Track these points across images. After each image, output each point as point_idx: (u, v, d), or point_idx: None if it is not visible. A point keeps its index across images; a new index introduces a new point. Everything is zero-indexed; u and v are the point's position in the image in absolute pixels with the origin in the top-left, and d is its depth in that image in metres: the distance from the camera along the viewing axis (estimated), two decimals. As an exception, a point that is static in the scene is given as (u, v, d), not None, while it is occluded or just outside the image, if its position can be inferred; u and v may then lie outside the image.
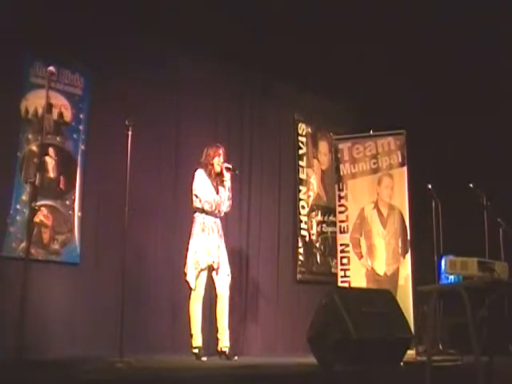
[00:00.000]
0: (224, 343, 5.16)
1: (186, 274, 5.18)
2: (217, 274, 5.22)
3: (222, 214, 5.40)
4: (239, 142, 7.10)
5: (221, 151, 5.39)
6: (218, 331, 5.21)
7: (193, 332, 5.12)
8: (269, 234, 7.21)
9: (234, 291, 6.41)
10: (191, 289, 5.14)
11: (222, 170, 5.36)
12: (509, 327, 5.39)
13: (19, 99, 5.57)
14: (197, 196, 5.26)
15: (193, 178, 5.33)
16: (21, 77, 5.60)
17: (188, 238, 5.26)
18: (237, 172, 5.64)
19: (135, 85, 6.12)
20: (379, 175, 6.84)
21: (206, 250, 5.18)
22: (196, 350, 5.08)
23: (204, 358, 5.05)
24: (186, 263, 5.21)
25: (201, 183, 5.29)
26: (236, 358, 5.16)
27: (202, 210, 5.25)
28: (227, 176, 5.38)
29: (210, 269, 5.21)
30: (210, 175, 5.34)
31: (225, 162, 5.40)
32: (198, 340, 5.11)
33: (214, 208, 5.26)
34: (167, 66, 6.44)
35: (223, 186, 5.36)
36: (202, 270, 5.15)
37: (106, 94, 6.00)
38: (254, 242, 7.02)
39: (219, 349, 5.17)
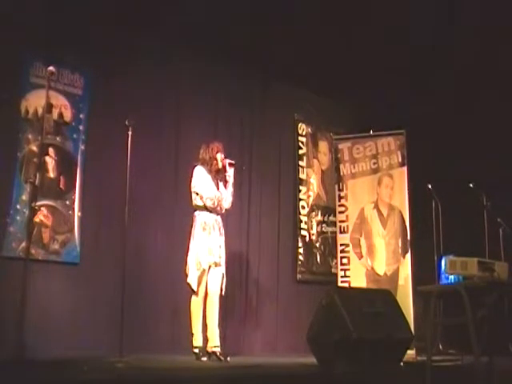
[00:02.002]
0: (214, 343, 4.99)
1: (187, 276, 5.07)
2: (214, 272, 5.10)
3: (223, 211, 5.29)
4: (239, 141, 7.09)
5: (221, 147, 5.28)
6: (207, 330, 5.04)
7: (194, 331, 5.03)
8: (269, 233, 7.21)
9: (234, 291, 6.43)
10: (193, 291, 5.04)
11: (224, 165, 5.26)
12: (509, 327, 5.38)
13: (19, 99, 5.57)
14: (197, 193, 5.14)
15: (191, 175, 5.23)
16: (21, 77, 5.60)
17: (188, 238, 5.21)
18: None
19: (135, 85, 6.12)
20: (379, 175, 6.84)
21: (208, 250, 5.07)
22: (196, 350, 5.00)
23: (204, 358, 4.99)
24: (186, 264, 5.10)
25: (201, 180, 5.17)
26: (228, 358, 4.95)
27: (204, 208, 5.14)
28: (231, 171, 5.27)
29: (210, 268, 5.11)
30: (210, 171, 5.22)
31: (225, 157, 5.30)
32: (198, 340, 5.03)
33: (215, 205, 5.15)
34: (167, 65, 6.44)
35: (226, 182, 5.24)
36: (204, 270, 5.05)
37: (106, 94, 6.00)
38: (254, 241, 7.02)
39: (209, 349, 4.99)
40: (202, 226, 5.11)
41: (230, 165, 5.28)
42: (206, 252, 5.07)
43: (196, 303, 5.06)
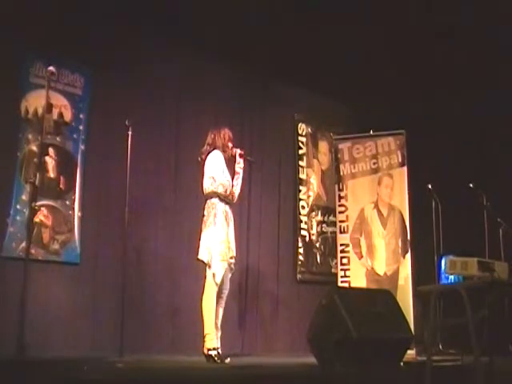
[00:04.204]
0: (215, 344, 4.69)
1: (208, 265, 4.71)
2: (228, 269, 4.84)
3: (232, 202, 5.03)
4: (239, 141, 7.04)
5: (231, 135, 5.08)
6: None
7: (208, 331, 4.64)
8: (269, 233, 7.21)
9: (234, 291, 6.43)
10: (216, 284, 4.69)
11: (234, 155, 5.03)
12: (509, 327, 5.39)
13: (19, 99, 5.57)
14: (215, 179, 4.84)
15: (203, 161, 4.94)
16: (21, 77, 5.60)
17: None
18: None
19: (135, 85, 6.13)
20: (379, 175, 6.83)
21: (229, 242, 4.80)
22: (213, 352, 4.61)
23: (227, 360, 4.66)
24: (199, 251, 4.75)
25: (220, 165, 4.87)
26: (227, 360, 4.69)
27: (222, 196, 4.83)
28: (241, 163, 5.05)
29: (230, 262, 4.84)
30: (225, 158, 4.96)
31: (233, 147, 5.08)
32: (214, 340, 4.65)
33: (228, 193, 4.88)
34: (167, 65, 6.45)
35: (235, 173, 5.00)
36: (227, 262, 4.76)
37: (106, 94, 6.00)
38: (253, 241, 7.01)
39: (205, 350, 4.67)
40: (224, 215, 4.81)
41: (241, 155, 5.07)
42: (227, 243, 4.78)
43: (211, 299, 4.70)
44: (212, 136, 5.03)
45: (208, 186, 4.88)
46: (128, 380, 3.43)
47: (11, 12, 5.37)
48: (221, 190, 4.85)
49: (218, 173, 4.88)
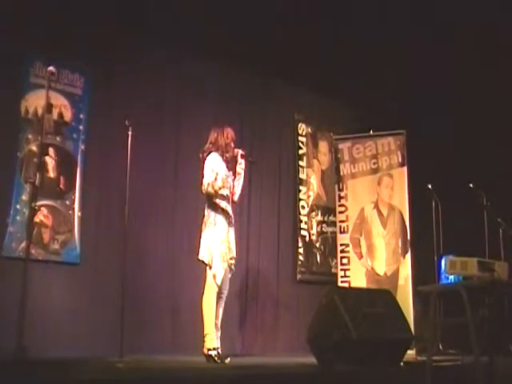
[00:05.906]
0: (215, 344, 4.70)
1: (208, 265, 4.73)
2: (228, 269, 4.85)
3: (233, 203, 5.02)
4: (239, 142, 7.00)
5: (234, 135, 5.06)
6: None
7: (208, 331, 4.65)
8: (269, 233, 7.20)
9: (234, 291, 6.42)
10: (217, 285, 4.70)
11: (236, 155, 5.00)
12: (509, 327, 5.39)
13: (19, 99, 5.57)
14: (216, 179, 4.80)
15: (203, 162, 4.90)
16: (21, 77, 5.61)
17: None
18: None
19: (135, 85, 6.13)
20: (379, 175, 6.83)
21: (229, 242, 4.80)
22: (213, 352, 4.61)
23: (227, 360, 4.65)
24: (200, 251, 4.76)
25: (219, 166, 4.85)
26: (227, 360, 4.67)
27: (222, 197, 4.83)
28: (243, 163, 5.01)
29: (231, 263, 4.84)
30: (224, 159, 4.95)
31: (234, 147, 5.05)
32: (214, 340, 4.66)
33: (228, 194, 4.90)
34: (167, 65, 6.45)
35: (237, 173, 4.99)
36: (228, 263, 4.77)
37: (106, 94, 6.00)
38: (254, 241, 7.01)
39: (205, 350, 4.67)
40: (226, 216, 4.82)
41: (242, 156, 5.04)
42: (228, 244, 4.79)
43: (211, 300, 4.69)
44: (215, 135, 5.01)
45: (205, 188, 4.83)
46: (128, 380, 3.43)
47: (11, 12, 5.37)
48: (217, 189, 4.80)
49: (220, 174, 4.86)
